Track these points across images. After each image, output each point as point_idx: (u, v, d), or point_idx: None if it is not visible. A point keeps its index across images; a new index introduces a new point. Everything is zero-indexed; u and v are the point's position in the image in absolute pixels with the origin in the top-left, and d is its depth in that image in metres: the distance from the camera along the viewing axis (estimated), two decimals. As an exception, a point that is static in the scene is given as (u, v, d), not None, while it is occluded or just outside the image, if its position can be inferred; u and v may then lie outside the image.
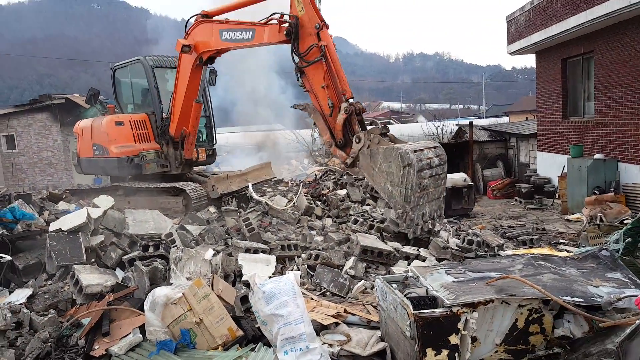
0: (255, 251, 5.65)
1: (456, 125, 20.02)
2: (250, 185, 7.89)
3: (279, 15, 5.28)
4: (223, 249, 5.77)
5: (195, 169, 9.08)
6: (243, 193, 8.14)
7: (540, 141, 12.82)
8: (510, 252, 4.19)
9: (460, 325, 2.92)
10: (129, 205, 7.47)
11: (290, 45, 5.20)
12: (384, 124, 5.02)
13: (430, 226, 4.79)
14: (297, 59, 5.20)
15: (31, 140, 19.37)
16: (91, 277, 4.48)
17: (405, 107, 70.64)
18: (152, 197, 7.58)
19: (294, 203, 7.38)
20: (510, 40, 13.36)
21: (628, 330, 2.63)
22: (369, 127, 5.06)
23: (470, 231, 6.73)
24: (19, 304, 4.23)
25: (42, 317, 4.02)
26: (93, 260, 5.16)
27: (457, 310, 2.93)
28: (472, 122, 16.00)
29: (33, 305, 4.42)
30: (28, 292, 4.59)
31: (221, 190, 7.64)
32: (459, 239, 6.35)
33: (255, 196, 7.26)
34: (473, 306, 2.96)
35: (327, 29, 5.13)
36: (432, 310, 2.95)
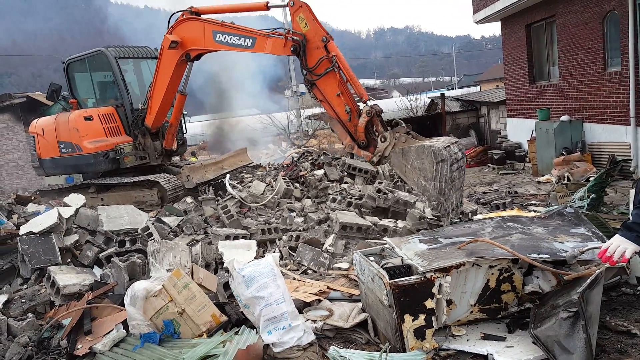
0: (236, 237, 5.68)
1: (428, 98, 20.22)
2: (227, 177, 7.83)
3: (286, 30, 5.39)
4: (203, 238, 5.77)
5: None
6: (220, 181, 8.10)
7: (509, 107, 13.07)
8: (480, 216, 4.34)
9: (434, 290, 3.03)
10: (103, 202, 7.35)
11: (298, 59, 5.37)
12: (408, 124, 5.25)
13: (459, 212, 5.12)
14: (305, 72, 5.35)
15: (-6, 143, 18.63)
16: (68, 277, 4.43)
17: (380, 83, 70.75)
18: (125, 191, 7.47)
19: (272, 195, 7.37)
20: (476, 9, 13.43)
21: (588, 280, 2.78)
22: (394, 127, 5.27)
23: (445, 200, 6.87)
24: (-6, 311, 4.13)
25: (20, 322, 3.95)
26: (69, 260, 5.08)
27: (431, 275, 3.04)
28: (444, 93, 16.16)
29: (9, 310, 4.33)
30: (3, 298, 4.49)
31: (196, 179, 7.58)
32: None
33: (231, 190, 7.24)
34: (445, 271, 3.07)
35: (333, 40, 5.31)
36: (407, 277, 3.05)
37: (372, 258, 3.47)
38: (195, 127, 24.56)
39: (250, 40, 5.69)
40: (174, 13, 6.51)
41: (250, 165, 9.81)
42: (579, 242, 3.41)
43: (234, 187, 7.54)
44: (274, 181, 8.16)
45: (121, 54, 7.96)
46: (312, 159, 9.67)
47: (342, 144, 5.58)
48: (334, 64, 5.14)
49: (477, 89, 33.96)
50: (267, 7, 5.78)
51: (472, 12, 13.68)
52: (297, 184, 8.18)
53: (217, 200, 7.17)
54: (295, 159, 10.57)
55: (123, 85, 7.81)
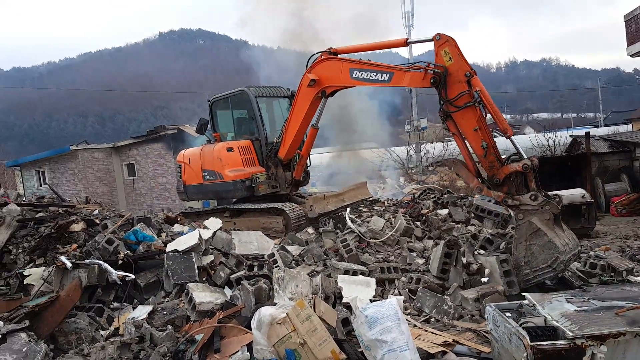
0: (354, 273, 5.64)
1: (570, 135, 18.29)
2: (347, 211, 7.89)
3: (426, 64, 5.52)
4: (322, 269, 5.85)
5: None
6: (340, 213, 8.23)
7: (675, 150, 11.12)
8: (642, 278, 3.66)
9: (586, 360, 2.61)
10: (235, 226, 7.97)
11: (437, 90, 5.43)
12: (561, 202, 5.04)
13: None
14: (442, 103, 5.41)
15: (148, 168, 21.83)
16: (203, 295, 4.77)
17: (511, 118, 66.52)
18: (255, 217, 8.02)
19: (392, 232, 7.23)
20: (631, 41, 11.99)
21: None
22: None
23: (592, 253, 6.00)
24: (141, 320, 4.55)
25: (161, 332, 4.32)
26: (204, 278, 5.47)
27: (582, 343, 2.63)
28: (589, 132, 14.43)
29: (153, 320, 4.74)
30: (149, 308, 4.94)
31: (319, 210, 7.81)
32: (579, 262, 5.70)
33: (351, 224, 7.27)
34: (601, 339, 2.63)
35: (476, 75, 5.32)
36: (553, 342, 2.68)
37: (508, 314, 3.13)
38: (315, 159, 25.53)
39: (387, 75, 5.90)
40: (314, 54, 7.05)
41: (369, 200, 9.82)
42: None
43: (353, 222, 7.58)
44: (393, 218, 8.02)
45: (260, 93, 8.79)
46: (434, 197, 9.31)
47: (470, 187, 5.34)
48: (475, 99, 5.08)
49: (629, 127, 29.74)
50: (406, 44, 6.01)
51: (627, 44, 12.21)
52: (418, 223, 7.90)
53: (337, 233, 7.26)
54: (416, 195, 10.30)
55: (260, 121, 8.57)
